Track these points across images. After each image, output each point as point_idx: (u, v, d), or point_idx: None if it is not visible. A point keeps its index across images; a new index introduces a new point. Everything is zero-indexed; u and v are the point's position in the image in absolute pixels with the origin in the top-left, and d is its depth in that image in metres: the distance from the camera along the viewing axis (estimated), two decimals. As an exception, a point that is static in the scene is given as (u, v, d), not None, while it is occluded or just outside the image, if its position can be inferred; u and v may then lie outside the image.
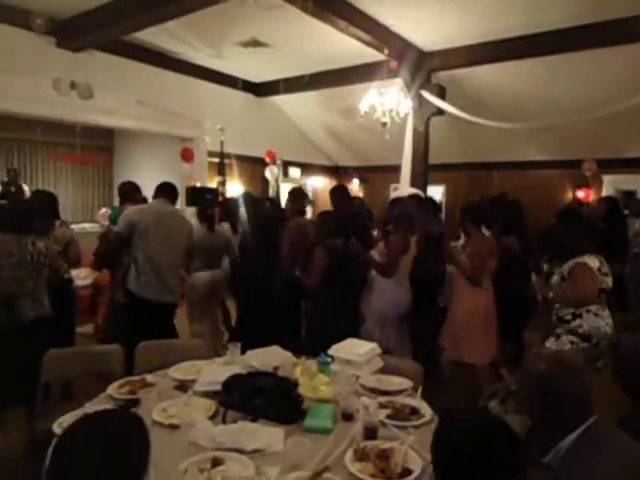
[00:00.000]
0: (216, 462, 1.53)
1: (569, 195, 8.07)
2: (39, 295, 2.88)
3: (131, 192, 4.09)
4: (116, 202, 9.09)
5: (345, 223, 3.46)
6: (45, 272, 2.91)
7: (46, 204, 3.42)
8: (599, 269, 2.76)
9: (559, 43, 5.47)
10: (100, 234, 4.19)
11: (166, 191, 3.49)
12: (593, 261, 2.75)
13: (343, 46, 6.05)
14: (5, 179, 7.19)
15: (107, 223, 5.44)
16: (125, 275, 3.30)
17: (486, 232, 3.88)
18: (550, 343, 2.78)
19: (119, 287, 3.38)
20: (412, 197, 4.75)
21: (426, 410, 1.91)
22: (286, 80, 7.76)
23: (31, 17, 5.30)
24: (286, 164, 8.99)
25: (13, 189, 7.06)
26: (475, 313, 3.38)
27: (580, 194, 7.66)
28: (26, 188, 7.33)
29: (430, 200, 5.04)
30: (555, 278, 2.84)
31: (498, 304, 3.51)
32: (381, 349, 2.50)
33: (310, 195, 9.75)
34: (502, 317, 3.53)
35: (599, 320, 2.71)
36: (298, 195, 4.54)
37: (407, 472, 1.48)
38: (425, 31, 5.78)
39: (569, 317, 2.76)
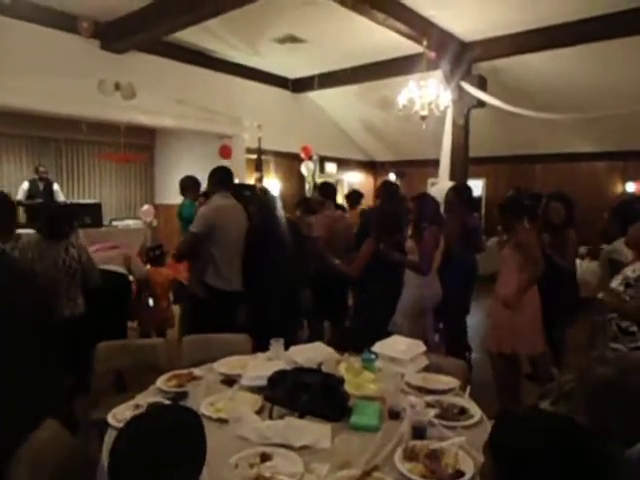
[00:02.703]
0: (265, 457, 1.54)
1: (618, 189, 7.71)
2: (73, 295, 3.06)
3: (190, 186, 4.26)
4: (157, 199, 9.40)
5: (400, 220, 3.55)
6: (78, 277, 3.09)
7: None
8: None
9: (608, 29, 5.22)
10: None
11: (223, 183, 3.54)
12: None
13: (381, 39, 5.98)
14: (36, 176, 7.25)
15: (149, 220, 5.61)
16: (204, 271, 3.41)
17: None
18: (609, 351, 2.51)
19: (198, 283, 3.46)
20: (452, 189, 4.62)
21: (475, 410, 1.86)
22: (323, 75, 7.75)
23: (78, 21, 5.50)
24: (322, 159, 8.99)
25: (41, 186, 7.13)
26: (521, 305, 3.24)
27: (631, 187, 7.29)
28: (57, 187, 7.41)
29: (470, 191, 4.86)
30: (617, 283, 2.46)
31: (542, 300, 3.38)
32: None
33: (345, 190, 9.75)
34: (545, 313, 3.39)
35: None
36: (327, 189, 4.52)
37: (459, 474, 1.44)
38: (466, 21, 5.64)
39: (634, 329, 2.33)
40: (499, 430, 1.05)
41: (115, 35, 5.77)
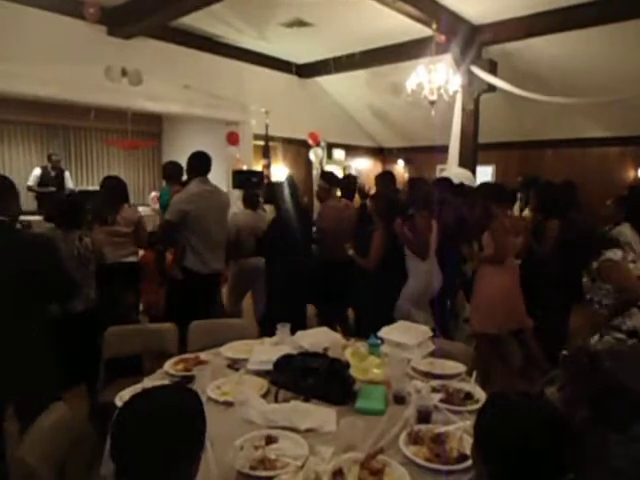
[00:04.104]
0: (270, 440, 1.55)
1: (630, 174, 7.58)
2: (86, 288, 2.96)
3: (174, 173, 4.20)
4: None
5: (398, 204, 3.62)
6: (92, 266, 3.04)
7: (117, 189, 3.71)
8: (624, 258, 2.51)
9: (619, 10, 5.09)
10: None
11: (199, 169, 3.50)
12: (615, 253, 2.48)
13: (390, 23, 5.88)
14: (48, 164, 7.33)
15: (157, 207, 5.60)
16: (181, 255, 3.47)
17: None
18: (594, 342, 2.57)
19: (175, 266, 3.55)
20: (441, 180, 4.56)
21: (481, 395, 1.86)
22: (330, 60, 7.64)
23: (84, 7, 5.45)
24: (330, 146, 8.92)
25: (53, 174, 7.22)
26: (497, 288, 3.39)
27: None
28: (67, 175, 7.47)
29: (453, 183, 4.78)
30: (585, 280, 2.61)
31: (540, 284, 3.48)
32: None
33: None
34: (545, 301, 3.48)
35: None
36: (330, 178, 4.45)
37: (463, 457, 1.45)
38: (476, 3, 5.52)
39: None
40: (485, 414, 1.06)
41: (121, 20, 5.72)
